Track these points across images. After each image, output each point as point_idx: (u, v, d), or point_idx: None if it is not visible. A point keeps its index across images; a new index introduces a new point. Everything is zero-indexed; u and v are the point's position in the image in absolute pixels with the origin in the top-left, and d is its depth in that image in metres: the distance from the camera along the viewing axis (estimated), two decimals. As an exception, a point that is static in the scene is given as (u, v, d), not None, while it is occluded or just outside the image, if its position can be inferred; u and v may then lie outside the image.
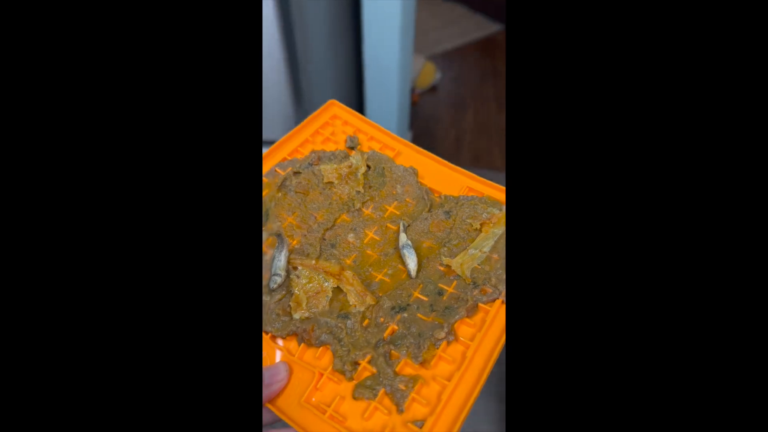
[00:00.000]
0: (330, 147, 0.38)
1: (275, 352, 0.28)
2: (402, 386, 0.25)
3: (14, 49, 0.19)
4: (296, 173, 0.36)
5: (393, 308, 0.28)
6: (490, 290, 0.29)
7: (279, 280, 0.30)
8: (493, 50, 2.03)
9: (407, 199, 0.35)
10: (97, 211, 0.19)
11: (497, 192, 0.35)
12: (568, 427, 0.18)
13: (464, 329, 0.28)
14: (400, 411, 0.24)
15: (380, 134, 0.39)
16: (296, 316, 0.29)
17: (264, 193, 0.35)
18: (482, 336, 0.27)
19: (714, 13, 0.19)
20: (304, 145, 0.38)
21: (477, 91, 1.78)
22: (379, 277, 0.31)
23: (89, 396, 0.18)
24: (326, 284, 0.29)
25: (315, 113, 0.40)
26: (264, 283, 0.30)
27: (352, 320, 0.28)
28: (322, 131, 0.39)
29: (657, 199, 0.19)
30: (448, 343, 0.27)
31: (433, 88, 1.74)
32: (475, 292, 0.29)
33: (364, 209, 0.35)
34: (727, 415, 0.18)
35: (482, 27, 2.16)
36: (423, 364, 0.26)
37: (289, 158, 0.37)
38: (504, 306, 0.28)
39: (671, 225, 0.19)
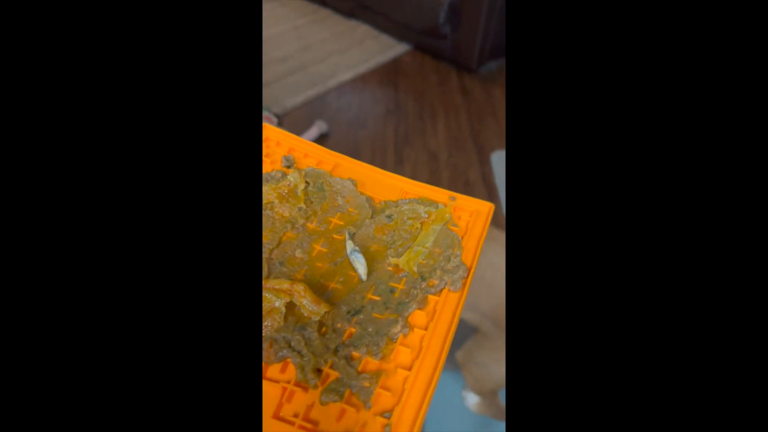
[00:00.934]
0: (266, 166, 0.39)
1: None
2: (366, 383, 0.26)
3: (14, 49, 0.19)
4: (235, 198, 0.36)
5: (349, 312, 0.29)
6: (437, 281, 0.31)
7: (231, 304, 0.30)
8: (397, 77, 1.83)
9: (350, 209, 0.37)
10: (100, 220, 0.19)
11: (432, 191, 0.38)
12: (567, 426, 0.19)
13: (418, 319, 0.29)
14: (367, 407, 0.25)
15: (315, 150, 0.41)
16: (253, 337, 0.28)
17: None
18: (435, 323, 0.28)
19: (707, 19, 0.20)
20: (241, 170, 0.38)
21: (376, 134, 1.56)
22: (332, 285, 0.31)
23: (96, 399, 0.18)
24: (277, 303, 0.29)
25: (247, 138, 0.40)
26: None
27: (309, 330, 0.28)
28: (256, 155, 0.39)
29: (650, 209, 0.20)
30: (405, 335, 0.28)
31: (322, 136, 1.53)
32: (424, 285, 0.31)
33: (308, 224, 0.35)
34: (726, 415, 0.18)
35: (387, 48, 1.97)
36: (384, 358, 0.27)
37: (227, 184, 0.37)
38: (450, 293, 0.30)
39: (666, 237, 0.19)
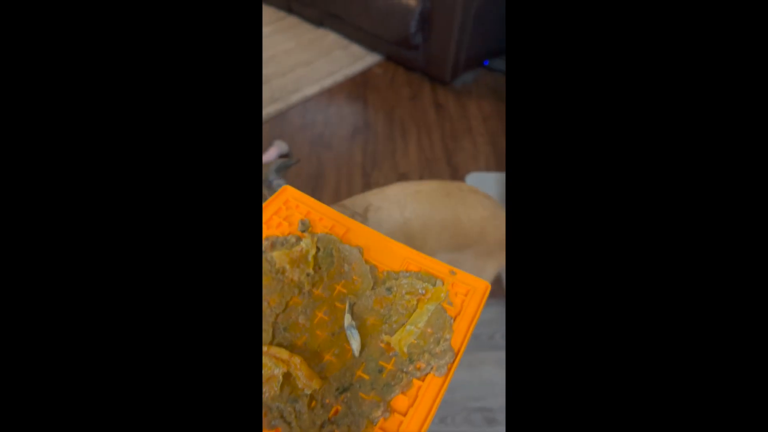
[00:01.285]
0: (284, 228, 0.42)
1: None
2: (342, 465, 0.28)
3: (17, 50, 0.20)
4: (252, 260, 0.40)
5: (338, 389, 0.32)
6: (424, 365, 0.33)
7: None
8: (366, 91, 1.68)
9: (354, 277, 0.39)
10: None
11: (433, 264, 0.40)
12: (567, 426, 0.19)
13: (400, 404, 0.31)
14: None
15: (331, 212, 0.44)
16: (252, 400, 0.32)
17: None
18: (414, 410, 0.31)
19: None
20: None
21: (342, 155, 1.44)
22: (327, 357, 0.34)
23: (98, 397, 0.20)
24: (276, 371, 0.32)
25: (270, 199, 0.44)
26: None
27: (300, 403, 0.31)
28: (276, 217, 0.43)
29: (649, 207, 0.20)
30: (386, 418, 0.30)
31: (283, 156, 1.41)
32: (411, 367, 0.33)
33: (314, 290, 0.39)
34: (726, 414, 0.18)
35: (357, 59, 1.82)
36: None
37: (246, 245, 0.41)
38: (434, 377, 0.32)
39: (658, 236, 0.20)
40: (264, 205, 0.44)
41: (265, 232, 0.42)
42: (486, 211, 0.86)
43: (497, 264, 0.96)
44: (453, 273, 0.39)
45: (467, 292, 0.38)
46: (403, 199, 0.80)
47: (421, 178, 1.41)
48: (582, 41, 0.22)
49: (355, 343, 0.34)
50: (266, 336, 0.35)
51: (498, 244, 0.91)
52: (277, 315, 0.37)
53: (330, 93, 1.68)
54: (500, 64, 1.87)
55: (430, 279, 0.38)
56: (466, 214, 0.83)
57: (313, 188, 1.33)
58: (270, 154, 1.40)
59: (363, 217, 0.78)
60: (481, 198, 0.86)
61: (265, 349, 0.34)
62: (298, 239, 0.41)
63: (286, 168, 0.79)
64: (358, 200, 0.80)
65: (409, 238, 0.81)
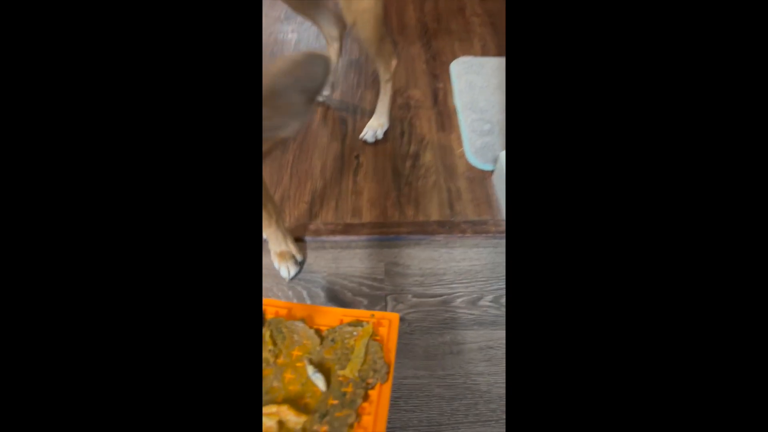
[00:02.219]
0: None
1: None
2: (340, 460, 0.41)
3: (17, 50, 0.19)
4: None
5: (320, 417, 0.45)
6: (371, 380, 0.48)
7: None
8: None
9: (305, 342, 0.53)
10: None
11: (359, 313, 0.56)
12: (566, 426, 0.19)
13: (365, 408, 0.45)
14: None
15: (273, 302, 0.57)
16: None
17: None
18: (375, 408, 0.45)
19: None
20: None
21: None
22: (304, 400, 0.47)
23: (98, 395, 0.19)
24: (270, 423, 0.44)
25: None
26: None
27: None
28: (230, 317, 0.55)
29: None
30: (359, 422, 0.44)
31: None
32: (363, 384, 0.48)
33: (278, 360, 0.51)
34: (726, 413, 0.17)
35: None
36: None
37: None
38: (380, 384, 0.47)
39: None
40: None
41: (225, 331, 0.54)
42: None
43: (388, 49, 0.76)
44: (372, 316, 0.56)
45: (385, 324, 0.55)
46: None
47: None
48: None
49: (321, 383, 0.48)
50: (254, 403, 0.47)
51: None
52: (257, 386, 0.48)
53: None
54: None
55: (359, 324, 0.54)
56: None
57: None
58: None
59: None
60: None
61: (256, 411, 0.46)
62: (254, 328, 0.54)
63: None
64: None
65: None
